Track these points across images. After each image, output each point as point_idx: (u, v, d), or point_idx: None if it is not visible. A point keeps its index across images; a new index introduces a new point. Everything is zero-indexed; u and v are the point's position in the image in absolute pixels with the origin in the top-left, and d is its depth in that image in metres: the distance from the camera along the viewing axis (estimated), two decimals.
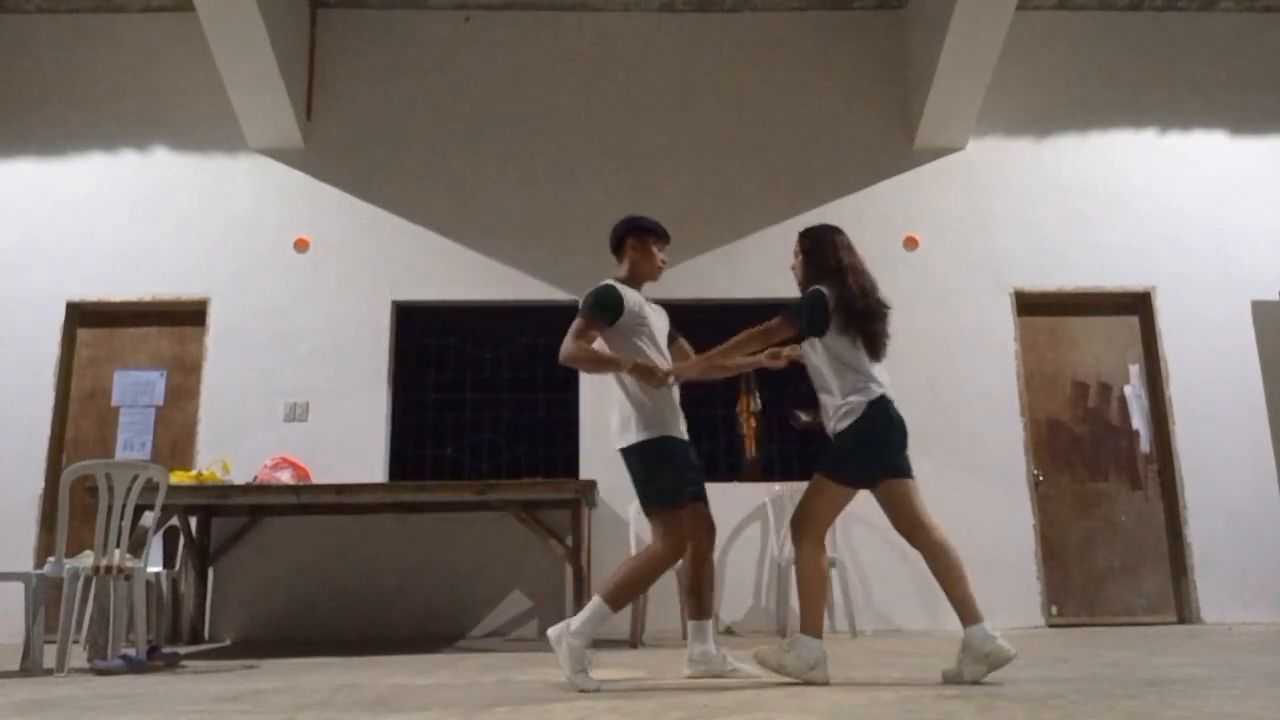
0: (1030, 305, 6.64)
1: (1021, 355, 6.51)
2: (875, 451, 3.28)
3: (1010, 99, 6.88)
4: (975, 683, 3.08)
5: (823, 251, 3.48)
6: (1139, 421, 6.53)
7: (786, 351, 3.53)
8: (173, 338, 6.53)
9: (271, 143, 6.64)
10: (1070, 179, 6.78)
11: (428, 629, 5.96)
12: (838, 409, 3.29)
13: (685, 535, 3.31)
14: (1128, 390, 6.58)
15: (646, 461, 3.32)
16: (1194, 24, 7.04)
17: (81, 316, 6.52)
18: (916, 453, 6.23)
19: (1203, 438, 6.37)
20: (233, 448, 6.03)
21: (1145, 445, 6.50)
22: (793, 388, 6.61)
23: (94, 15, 6.88)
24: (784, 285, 6.55)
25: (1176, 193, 6.77)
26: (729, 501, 6.05)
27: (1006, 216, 6.71)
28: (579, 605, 5.09)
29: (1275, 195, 6.78)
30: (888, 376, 3.37)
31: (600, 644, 5.32)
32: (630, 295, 3.46)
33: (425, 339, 6.62)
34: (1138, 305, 6.68)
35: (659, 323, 3.58)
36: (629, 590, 3.24)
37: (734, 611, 6.04)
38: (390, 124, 6.78)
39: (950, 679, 3.13)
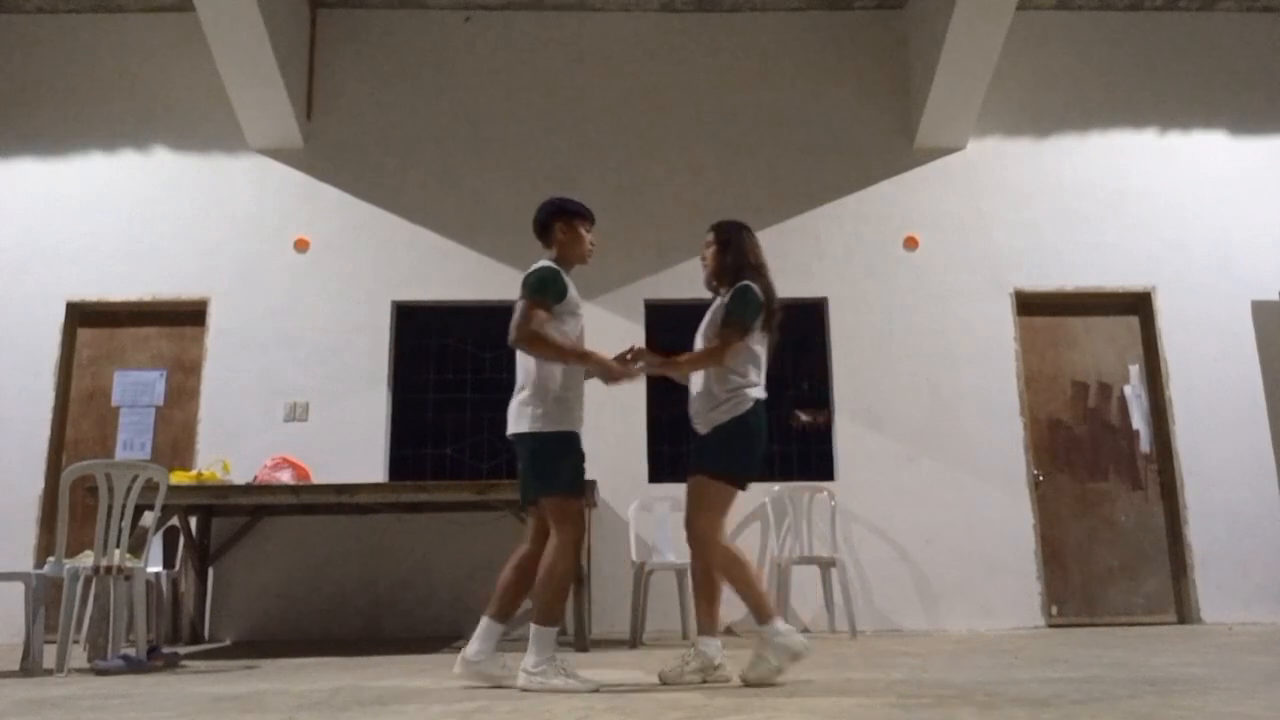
0: (1030, 305, 6.64)
1: (1021, 355, 6.51)
2: (755, 448, 3.29)
3: (1010, 99, 6.89)
4: (678, 683, 3.19)
5: (740, 246, 3.49)
6: (1139, 421, 6.53)
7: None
8: (173, 338, 6.53)
9: (271, 143, 6.64)
10: (1070, 179, 6.78)
11: (427, 629, 5.96)
12: (723, 400, 3.29)
13: (583, 522, 3.29)
14: (1128, 390, 6.58)
15: (548, 452, 3.24)
16: (1194, 24, 7.04)
17: (81, 316, 6.52)
18: (916, 452, 6.29)
19: (1203, 438, 6.37)
20: (233, 448, 6.03)
21: (1145, 445, 6.50)
22: (793, 388, 6.62)
23: (94, 15, 6.88)
24: (784, 285, 6.55)
25: (1176, 193, 6.77)
26: None
27: (1006, 216, 6.71)
28: (579, 605, 5.09)
29: (1275, 195, 6.78)
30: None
31: (600, 644, 5.32)
32: (570, 283, 3.38)
33: (425, 339, 6.62)
34: (1138, 305, 6.68)
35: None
36: (554, 602, 3.18)
37: (734, 611, 6.03)
38: (390, 124, 6.78)
39: (668, 678, 3.22)
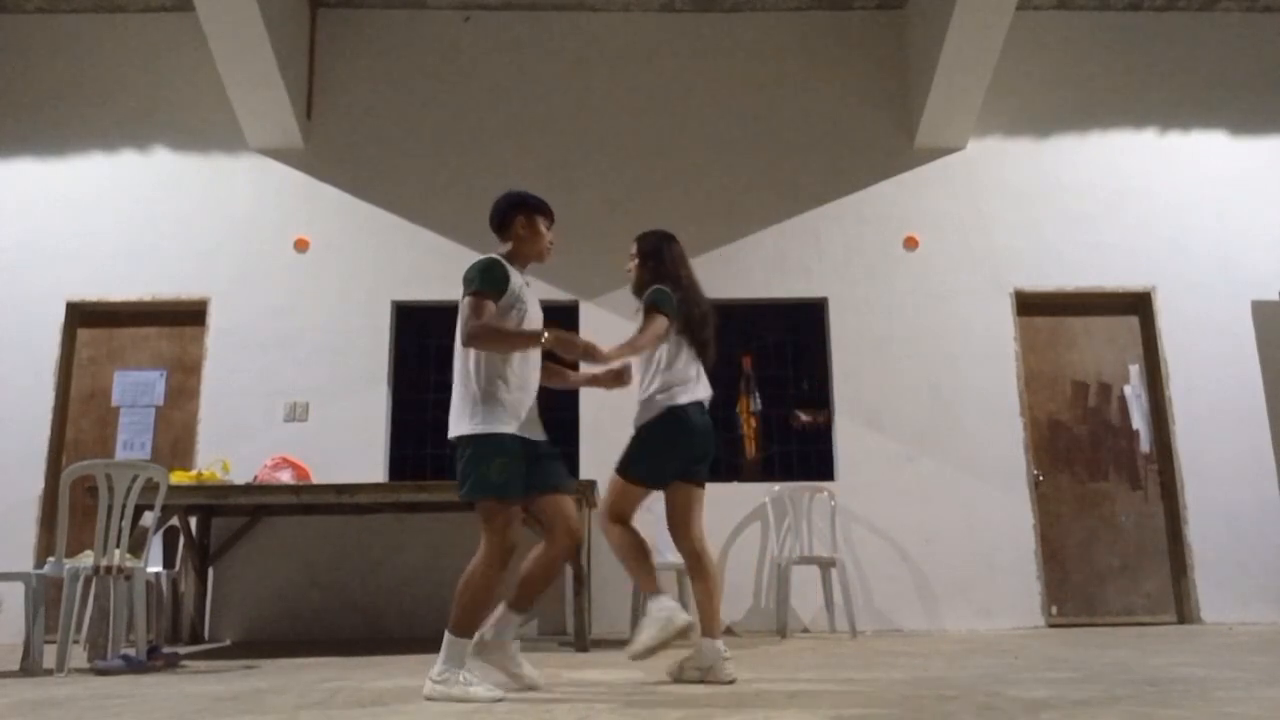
0: (1030, 305, 6.64)
1: (1021, 355, 6.51)
2: (662, 453, 3.37)
3: (1010, 99, 6.88)
4: (680, 682, 3.22)
5: (660, 257, 3.56)
6: (1139, 421, 6.53)
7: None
8: (173, 338, 6.53)
9: (271, 143, 6.64)
10: (1070, 179, 6.78)
11: (428, 629, 5.95)
12: (642, 404, 3.42)
13: (510, 533, 3.08)
14: (1128, 390, 6.58)
15: (475, 453, 3.07)
16: (1194, 24, 7.04)
17: (81, 316, 6.52)
18: (916, 452, 6.29)
19: (1203, 438, 6.37)
20: (233, 448, 6.03)
21: (1145, 445, 6.50)
22: (793, 388, 6.62)
23: (94, 15, 6.88)
24: (784, 285, 6.60)
25: (1176, 193, 6.77)
26: (729, 501, 6.06)
27: (1006, 216, 6.71)
28: (579, 605, 5.09)
29: (1275, 195, 6.78)
30: (707, 385, 3.50)
31: (600, 644, 5.32)
32: (514, 275, 3.24)
33: (425, 339, 6.62)
34: (1138, 305, 6.68)
35: (535, 313, 3.29)
36: (473, 611, 3.04)
37: (734, 611, 6.03)
38: (390, 124, 6.78)
39: (674, 675, 3.29)
